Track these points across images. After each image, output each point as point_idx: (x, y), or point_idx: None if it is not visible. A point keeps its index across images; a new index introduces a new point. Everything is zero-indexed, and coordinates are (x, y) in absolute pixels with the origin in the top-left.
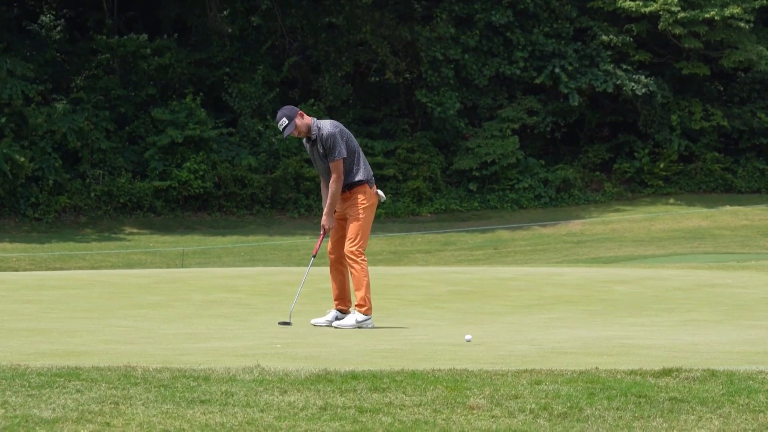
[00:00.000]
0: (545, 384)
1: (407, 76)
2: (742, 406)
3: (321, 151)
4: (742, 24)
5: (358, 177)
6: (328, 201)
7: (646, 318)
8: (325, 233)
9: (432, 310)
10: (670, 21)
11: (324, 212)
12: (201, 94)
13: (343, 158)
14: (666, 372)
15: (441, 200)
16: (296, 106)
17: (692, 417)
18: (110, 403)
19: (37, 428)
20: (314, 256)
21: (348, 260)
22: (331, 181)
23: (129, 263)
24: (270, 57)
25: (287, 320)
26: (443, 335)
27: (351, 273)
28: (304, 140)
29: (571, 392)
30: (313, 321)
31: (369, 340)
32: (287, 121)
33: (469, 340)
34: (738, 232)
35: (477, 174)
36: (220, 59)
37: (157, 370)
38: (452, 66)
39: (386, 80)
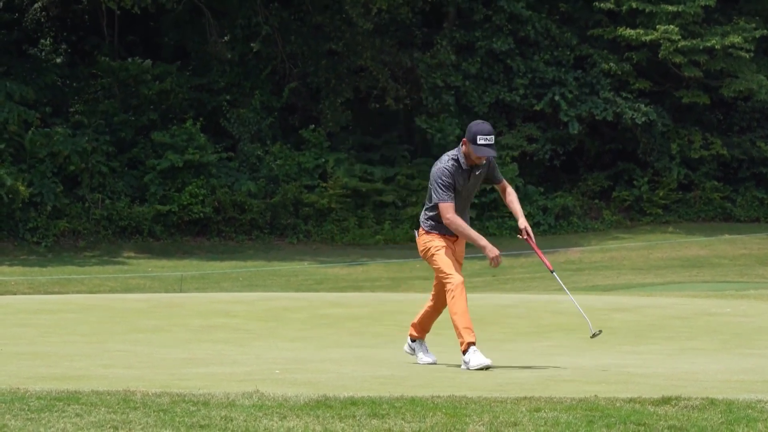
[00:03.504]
0: (544, 411)
1: (407, 102)
2: None
3: (483, 171)
4: (742, 53)
5: None
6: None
7: (644, 346)
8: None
9: (431, 336)
10: (671, 49)
11: (524, 218)
12: (201, 119)
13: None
14: (665, 400)
15: None
16: (297, 131)
17: None
18: (109, 427)
19: None
20: (553, 271)
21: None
22: (514, 193)
23: (127, 288)
24: (270, 83)
25: (594, 331)
26: (442, 362)
27: (436, 312)
28: (455, 168)
29: (571, 420)
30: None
31: (368, 367)
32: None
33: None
34: (737, 261)
35: (476, 201)
36: (220, 85)
37: (156, 395)
38: (452, 92)
39: (386, 106)
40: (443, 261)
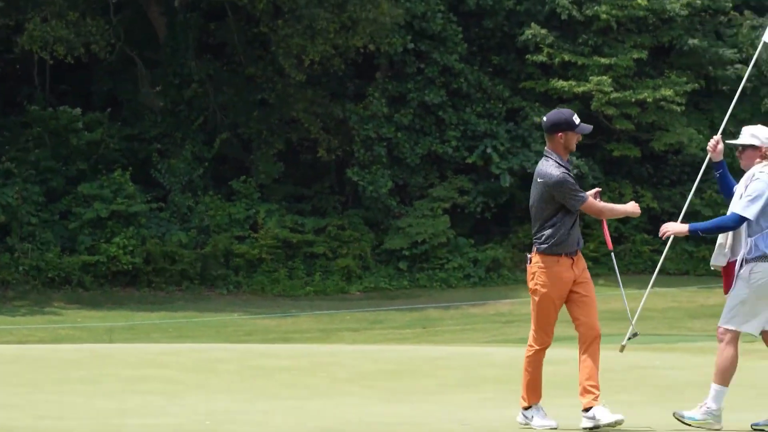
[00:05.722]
0: None
1: (339, 153)
2: None
3: None
4: (674, 106)
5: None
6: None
7: (574, 399)
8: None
9: (362, 388)
10: (603, 101)
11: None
12: (130, 168)
13: None
14: None
15: (370, 278)
16: (228, 182)
17: None
18: None
19: None
20: (612, 251)
21: (599, 342)
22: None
23: (57, 338)
24: (202, 133)
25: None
26: (373, 414)
27: (595, 356)
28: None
29: None
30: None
31: (298, 418)
32: None
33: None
34: (666, 313)
35: (407, 253)
36: (151, 135)
37: None
38: (384, 144)
39: (318, 158)
40: (543, 318)
